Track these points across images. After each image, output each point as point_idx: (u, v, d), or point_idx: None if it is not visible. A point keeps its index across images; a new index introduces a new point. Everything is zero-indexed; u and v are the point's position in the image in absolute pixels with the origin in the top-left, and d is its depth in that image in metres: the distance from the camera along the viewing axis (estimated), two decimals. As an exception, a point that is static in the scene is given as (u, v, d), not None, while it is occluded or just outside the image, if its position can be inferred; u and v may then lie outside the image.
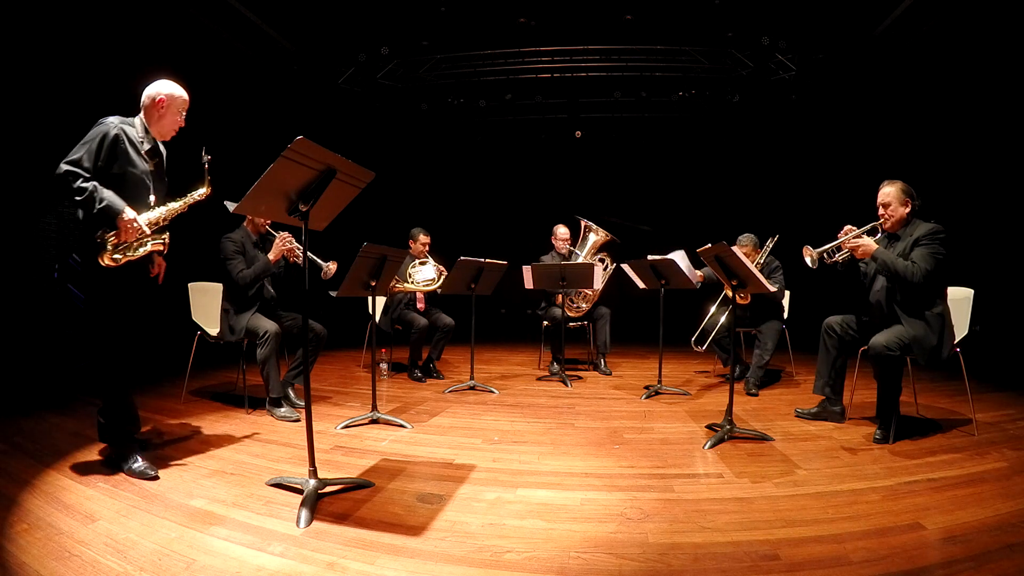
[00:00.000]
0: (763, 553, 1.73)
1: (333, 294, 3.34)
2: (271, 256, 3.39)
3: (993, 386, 4.11)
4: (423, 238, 4.67)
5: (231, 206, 2.51)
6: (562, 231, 4.98)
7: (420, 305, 4.73)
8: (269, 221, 3.53)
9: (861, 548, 1.74)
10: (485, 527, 1.92)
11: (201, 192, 2.48)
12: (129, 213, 2.25)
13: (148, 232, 2.33)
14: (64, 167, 2.20)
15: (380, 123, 8.36)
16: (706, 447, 2.78)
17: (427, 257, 4.62)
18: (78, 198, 2.19)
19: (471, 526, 1.93)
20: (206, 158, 2.44)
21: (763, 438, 2.90)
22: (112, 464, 2.37)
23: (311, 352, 3.61)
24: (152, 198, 2.42)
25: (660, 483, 2.33)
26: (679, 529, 1.91)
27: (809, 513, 2.01)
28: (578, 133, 8.49)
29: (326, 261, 3.52)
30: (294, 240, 3.43)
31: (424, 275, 4.54)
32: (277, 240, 3.41)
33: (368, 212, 5.86)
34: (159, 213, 2.39)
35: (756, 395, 3.97)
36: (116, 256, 2.30)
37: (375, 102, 7.88)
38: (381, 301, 4.69)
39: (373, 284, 3.20)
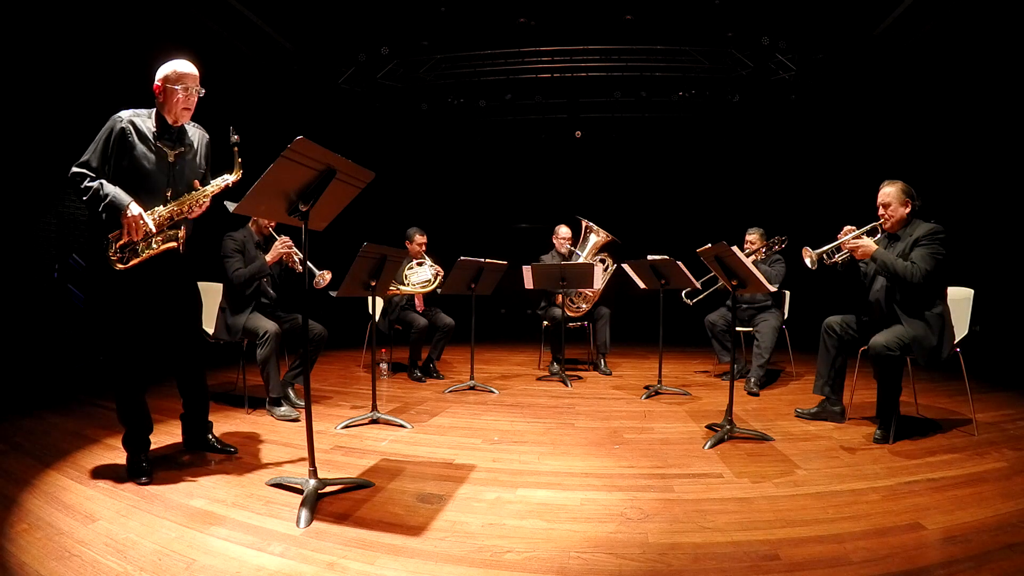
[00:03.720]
0: (763, 553, 1.73)
1: (333, 294, 3.34)
2: (268, 258, 3.37)
3: (993, 386, 4.11)
4: (419, 238, 4.63)
5: (231, 206, 2.51)
6: (564, 231, 4.97)
7: (419, 306, 4.72)
8: (273, 223, 3.50)
9: (861, 548, 1.74)
10: (485, 527, 1.92)
11: (229, 178, 2.30)
12: (133, 209, 2.12)
13: (155, 230, 2.17)
14: (73, 169, 2.17)
15: (380, 123, 8.36)
16: (706, 447, 2.78)
17: (424, 257, 4.60)
18: (84, 198, 2.15)
19: (471, 526, 1.93)
20: (234, 138, 2.25)
21: (763, 438, 2.90)
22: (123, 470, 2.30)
23: (311, 352, 3.61)
24: (169, 192, 2.27)
25: (660, 483, 2.33)
26: (679, 529, 1.91)
27: (809, 513, 2.01)
28: (578, 133, 8.48)
29: (321, 269, 3.43)
30: (294, 246, 3.39)
31: (420, 277, 4.51)
32: (277, 243, 3.39)
33: (368, 212, 5.85)
34: (169, 208, 2.22)
35: (757, 395, 3.97)
36: (123, 257, 2.15)
37: (375, 102, 7.88)
38: (381, 301, 4.69)
39: (373, 284, 3.20)
